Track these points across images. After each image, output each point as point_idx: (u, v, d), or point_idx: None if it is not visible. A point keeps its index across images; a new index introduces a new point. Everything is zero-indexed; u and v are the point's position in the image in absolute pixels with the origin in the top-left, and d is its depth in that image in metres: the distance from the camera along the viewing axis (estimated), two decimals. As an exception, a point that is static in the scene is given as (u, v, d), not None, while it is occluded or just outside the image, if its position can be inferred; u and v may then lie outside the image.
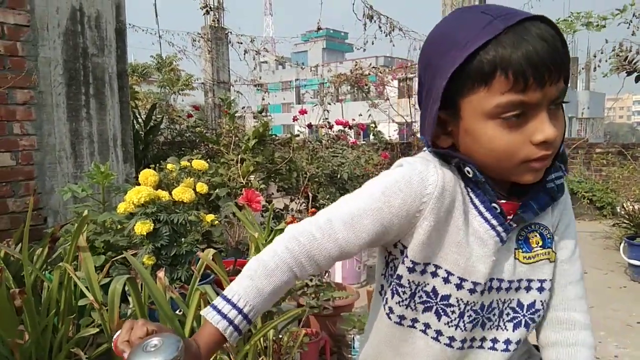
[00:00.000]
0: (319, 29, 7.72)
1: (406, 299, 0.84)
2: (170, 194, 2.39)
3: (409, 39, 8.07)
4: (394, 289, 0.84)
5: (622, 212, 4.86)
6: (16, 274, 2.02)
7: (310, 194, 4.06)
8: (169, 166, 2.88)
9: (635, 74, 3.97)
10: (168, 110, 6.50)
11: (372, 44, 7.83)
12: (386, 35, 7.35)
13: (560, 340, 0.86)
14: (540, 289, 0.83)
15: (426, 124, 0.78)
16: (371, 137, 6.50)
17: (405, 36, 8.01)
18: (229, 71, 8.81)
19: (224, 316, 0.75)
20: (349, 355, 2.57)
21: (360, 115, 6.38)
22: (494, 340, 0.83)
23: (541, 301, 0.83)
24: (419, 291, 0.82)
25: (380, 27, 7.23)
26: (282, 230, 2.32)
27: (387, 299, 0.86)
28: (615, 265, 4.61)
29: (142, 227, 2.14)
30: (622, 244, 4.43)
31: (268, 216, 2.44)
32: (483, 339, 0.83)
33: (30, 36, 3.02)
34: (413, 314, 0.84)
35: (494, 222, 0.79)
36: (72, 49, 3.25)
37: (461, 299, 0.80)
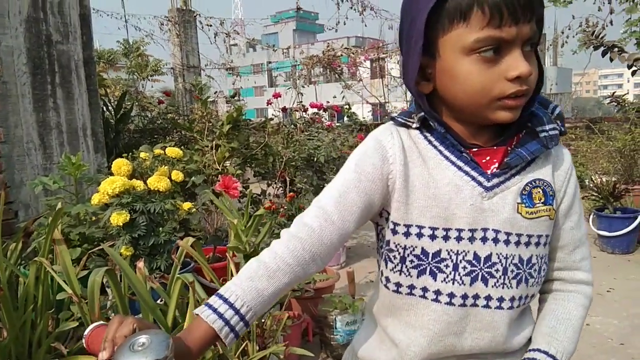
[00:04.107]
0: (298, 9, 7.64)
1: (398, 264, 0.84)
2: (145, 183, 2.35)
3: (380, 18, 8.06)
4: (386, 256, 0.86)
5: (591, 185, 4.98)
6: (-11, 271, 1.97)
7: (287, 178, 4.05)
8: (143, 155, 2.82)
9: (602, 48, 4.04)
10: (138, 97, 6.34)
11: (344, 24, 7.80)
12: (360, 15, 7.30)
13: (560, 288, 0.91)
14: (537, 244, 0.84)
15: (409, 68, 0.80)
16: (345, 119, 6.51)
17: (377, 16, 7.99)
18: (198, 55, 8.64)
19: (220, 315, 0.71)
20: (331, 336, 2.60)
21: (335, 97, 6.35)
22: (500, 299, 0.82)
23: (536, 255, 0.84)
24: (408, 255, 0.83)
25: (352, 6, 7.19)
26: (261, 216, 2.32)
27: (382, 270, 0.88)
28: (585, 237, 4.76)
29: (118, 218, 2.10)
30: (591, 216, 4.56)
31: (246, 202, 2.43)
32: (488, 298, 0.82)
33: (-10, 24, 2.90)
34: (408, 281, 0.84)
35: (467, 168, 0.82)
36: (35, 37, 3.14)
37: (451, 250, 0.81)
